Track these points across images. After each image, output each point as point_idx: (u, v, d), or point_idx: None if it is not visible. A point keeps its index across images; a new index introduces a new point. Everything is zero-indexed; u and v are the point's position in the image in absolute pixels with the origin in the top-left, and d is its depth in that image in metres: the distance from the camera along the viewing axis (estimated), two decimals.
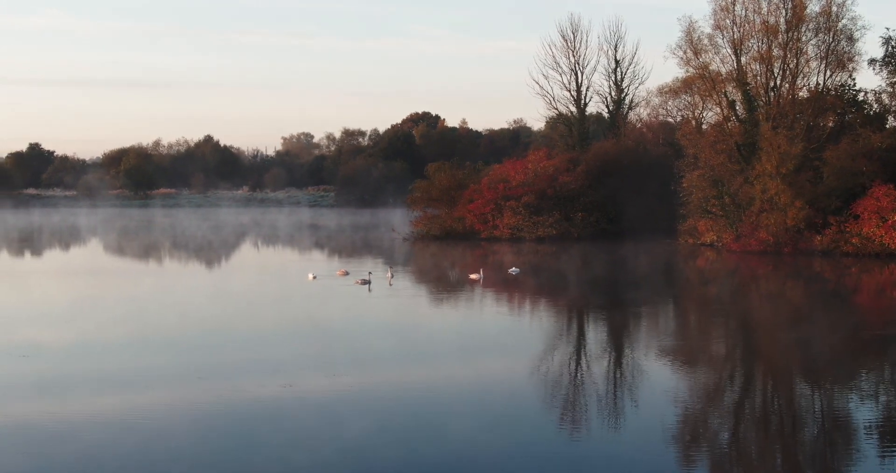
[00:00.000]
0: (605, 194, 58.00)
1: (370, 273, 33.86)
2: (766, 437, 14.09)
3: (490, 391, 16.68)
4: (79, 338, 22.11)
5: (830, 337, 23.11)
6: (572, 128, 70.61)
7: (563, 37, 69.96)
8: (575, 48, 69.81)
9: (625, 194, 56.65)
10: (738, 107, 51.02)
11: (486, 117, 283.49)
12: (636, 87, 72.21)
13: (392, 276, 34.40)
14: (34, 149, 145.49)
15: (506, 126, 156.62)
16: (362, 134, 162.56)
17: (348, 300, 29.34)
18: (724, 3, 49.70)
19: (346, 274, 35.48)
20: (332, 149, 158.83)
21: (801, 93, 49.33)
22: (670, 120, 62.45)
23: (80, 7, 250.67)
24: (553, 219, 56.34)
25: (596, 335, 24.07)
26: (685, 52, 50.90)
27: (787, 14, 48.66)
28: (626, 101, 70.95)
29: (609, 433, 14.05)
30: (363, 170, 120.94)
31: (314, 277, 34.15)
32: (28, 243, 57.72)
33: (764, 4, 48.93)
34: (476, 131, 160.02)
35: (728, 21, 49.70)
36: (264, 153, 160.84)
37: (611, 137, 66.95)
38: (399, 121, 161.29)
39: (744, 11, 49.40)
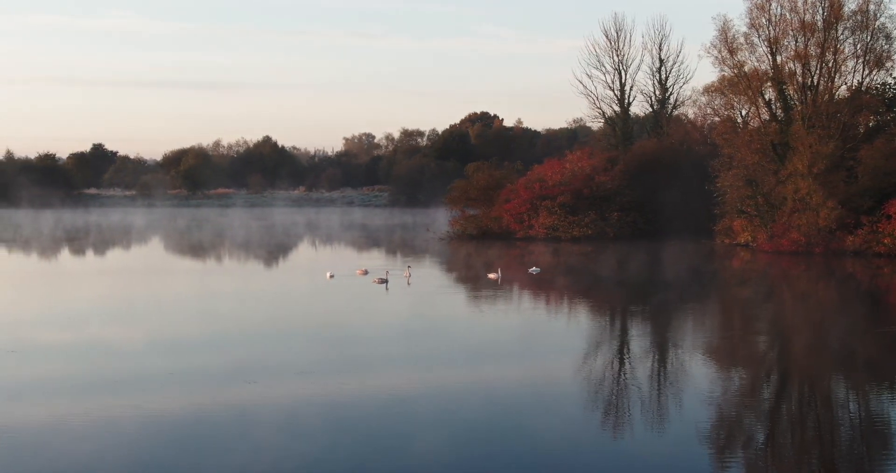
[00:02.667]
0: (643, 194, 57.75)
1: (387, 272, 34.25)
2: (803, 439, 13.98)
3: (477, 399, 16.14)
4: (69, 338, 22.37)
5: (867, 338, 23.02)
6: (616, 127, 70.57)
7: (607, 36, 70.03)
8: (619, 47, 69.83)
9: (664, 194, 56.39)
10: (774, 106, 50.62)
11: (547, 117, 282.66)
12: (681, 86, 71.66)
13: (410, 275, 34.77)
14: (97, 149, 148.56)
15: (566, 125, 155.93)
16: (421, 134, 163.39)
17: (358, 299, 29.65)
18: (759, 2, 49.38)
19: (366, 273, 35.88)
20: (391, 149, 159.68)
21: (838, 92, 48.82)
22: (717, 119, 62.02)
23: (148, 8, 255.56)
24: (589, 219, 56.30)
25: (606, 338, 23.30)
26: (720, 52, 50.65)
27: (823, 12, 48.19)
28: (671, 100, 70.77)
29: (647, 436, 13.94)
30: (416, 170, 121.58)
31: (331, 276, 34.67)
32: (72, 242, 59.03)
33: (800, 2, 48.56)
34: (534, 131, 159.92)
35: (763, 19, 49.37)
36: (327, 153, 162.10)
37: (653, 136, 66.73)
38: (458, 121, 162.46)
39: (779, 9, 49.07)
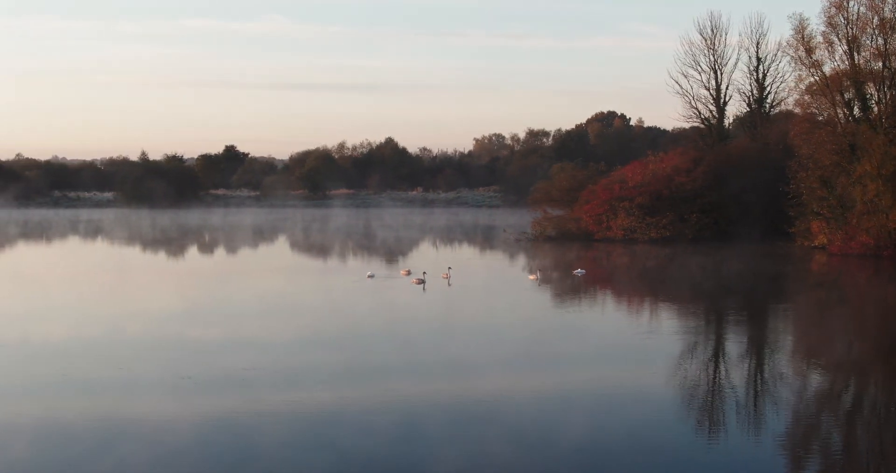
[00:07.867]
0: (727, 195, 56.92)
1: (424, 273, 35.11)
2: (883, 447, 14.04)
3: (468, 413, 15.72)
4: (48, 337, 23.16)
5: None
6: (711, 127, 69.67)
7: (702, 35, 69.19)
8: (714, 46, 68.89)
9: (747, 194, 55.52)
10: (852, 106, 49.51)
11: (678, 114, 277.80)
12: (779, 85, 70.07)
13: (450, 276, 35.56)
14: (229, 151, 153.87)
15: (697, 123, 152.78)
16: (546, 134, 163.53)
17: (386, 299, 30.45)
18: (836, 0, 48.41)
19: (409, 273, 36.88)
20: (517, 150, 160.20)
21: None
22: (820, 119, 60.69)
23: (296, 12, 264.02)
24: (666, 220, 55.87)
25: (607, 343, 22.68)
26: (796, 51, 49.91)
27: None
28: (769, 100, 69.40)
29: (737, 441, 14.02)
30: (529, 171, 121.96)
31: (370, 276, 35.86)
32: (160, 244, 61.64)
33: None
34: (659, 129, 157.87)
35: (841, 18, 48.35)
36: (462, 153, 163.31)
37: (747, 136, 65.72)
38: (584, 120, 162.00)
39: (857, 7, 48.04)
